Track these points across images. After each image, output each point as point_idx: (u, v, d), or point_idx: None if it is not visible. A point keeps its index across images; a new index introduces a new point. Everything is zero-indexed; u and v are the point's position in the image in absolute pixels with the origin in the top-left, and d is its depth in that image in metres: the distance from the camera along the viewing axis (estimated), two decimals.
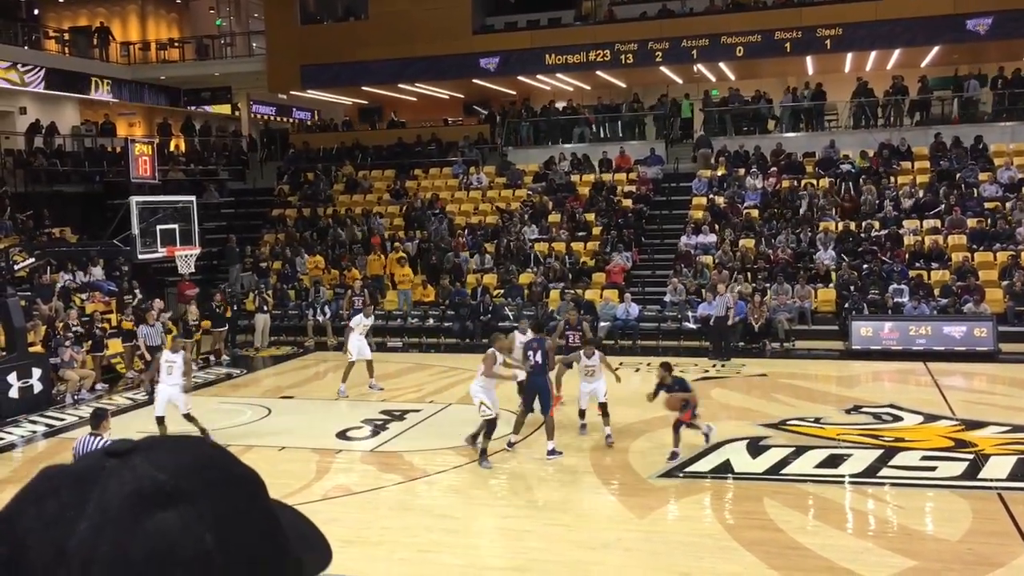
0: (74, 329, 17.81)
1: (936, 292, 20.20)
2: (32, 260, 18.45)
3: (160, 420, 12.88)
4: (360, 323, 16.57)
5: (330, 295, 23.30)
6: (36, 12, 32.44)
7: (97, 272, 22.86)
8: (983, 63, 27.35)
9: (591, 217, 25.00)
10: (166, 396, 12.93)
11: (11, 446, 13.96)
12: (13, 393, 15.57)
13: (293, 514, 0.91)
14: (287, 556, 0.86)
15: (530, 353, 12.21)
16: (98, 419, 9.13)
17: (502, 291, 22.66)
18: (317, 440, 13.31)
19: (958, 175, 23.83)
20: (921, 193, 23.53)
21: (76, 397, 16.67)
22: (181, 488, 0.79)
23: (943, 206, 22.85)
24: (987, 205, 22.82)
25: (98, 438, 8.84)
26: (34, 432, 14.69)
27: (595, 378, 12.79)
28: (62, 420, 15.42)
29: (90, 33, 31.80)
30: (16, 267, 17.87)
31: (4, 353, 16.27)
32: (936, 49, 26.09)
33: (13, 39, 28.54)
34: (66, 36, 31.37)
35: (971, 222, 22.27)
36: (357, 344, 16.36)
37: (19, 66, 27.04)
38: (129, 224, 16.91)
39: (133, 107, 33.45)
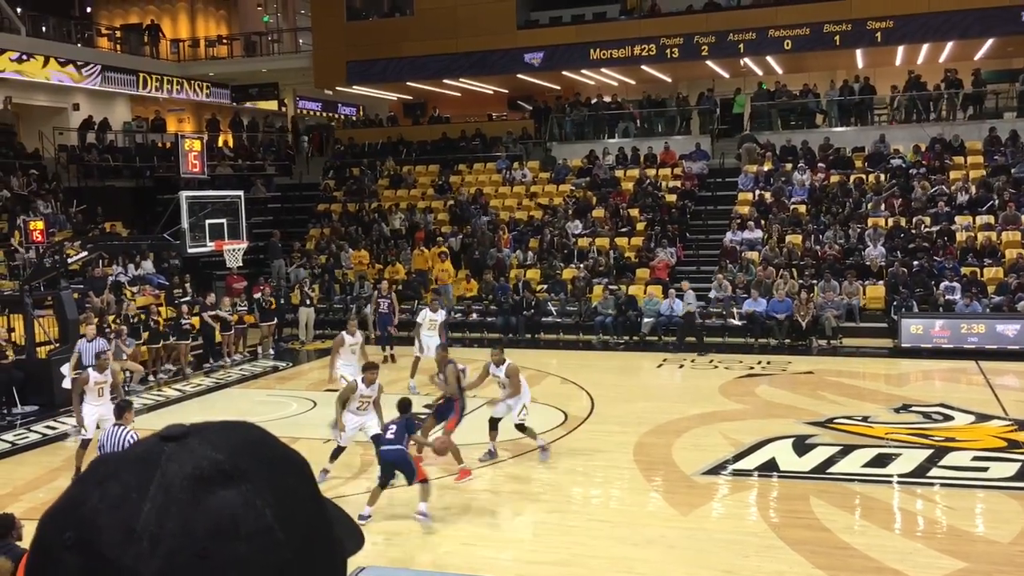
0: (132, 321, 18.09)
1: (989, 289, 19.79)
2: (85, 253, 18.82)
3: (87, 443, 11.56)
4: (426, 318, 16.60)
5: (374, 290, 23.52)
6: (88, 10, 33.08)
7: (147, 265, 23.27)
8: None
9: (635, 212, 24.87)
10: (96, 415, 11.64)
11: (64, 435, 14.26)
12: (66, 384, 15.89)
13: (328, 500, 0.94)
14: (334, 534, 0.89)
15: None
16: (121, 410, 9.28)
17: (545, 286, 22.65)
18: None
19: (1012, 170, 23.30)
20: (974, 189, 23.05)
21: (127, 388, 16.96)
22: (239, 467, 0.82)
23: (996, 201, 22.37)
24: None
25: (122, 428, 8.99)
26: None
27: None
28: None
29: (141, 31, 32.36)
30: (69, 260, 18.25)
31: (58, 344, 16.63)
32: (990, 42, 25.52)
33: (67, 37, 29.14)
34: (118, 34, 31.96)
35: None
36: (426, 340, 16.19)
37: (78, 64, 27.60)
38: (179, 218, 17.16)
39: (182, 103, 33.99)
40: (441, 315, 16.99)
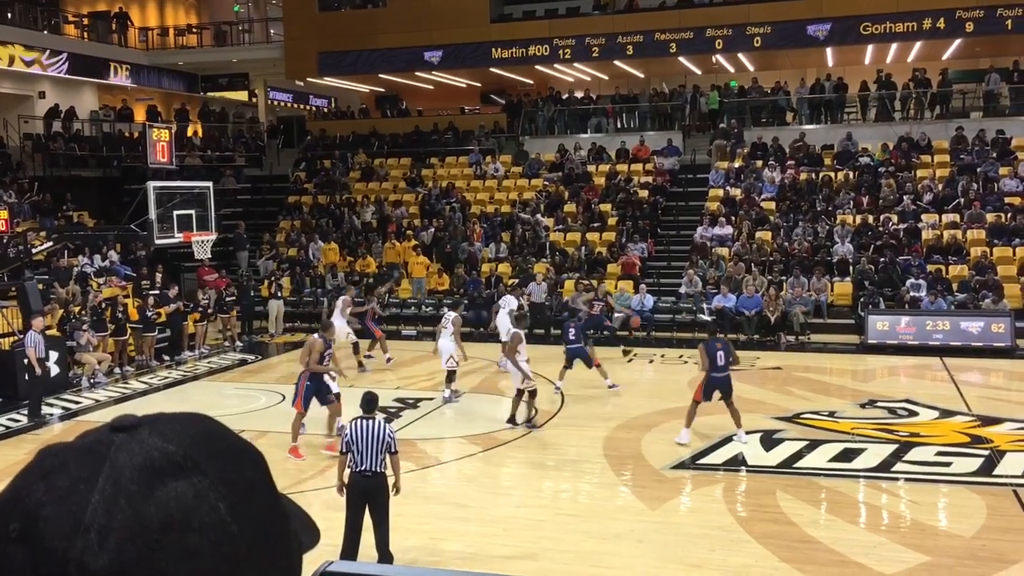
0: (100, 311, 17.84)
1: (954, 287, 20.05)
2: (50, 244, 18.55)
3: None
4: (509, 304, 17.36)
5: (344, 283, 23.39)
6: None
7: (114, 256, 22.98)
8: (1007, 56, 27.05)
9: (607, 208, 24.93)
10: None
11: (27, 428, 14.07)
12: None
13: (284, 495, 0.93)
14: (290, 528, 0.88)
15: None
16: (370, 404, 8.87)
17: (516, 280, 22.63)
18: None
19: (978, 169, 23.62)
20: (940, 187, 23.34)
21: (92, 381, 16.78)
22: (192, 458, 0.80)
23: (962, 200, 22.66)
24: (1007, 200, 22.61)
25: (370, 421, 8.64)
26: (50, 415, 14.79)
27: None
28: (78, 403, 15.54)
29: (109, 18, 31.89)
30: (34, 250, 17.97)
31: (22, 336, 16.37)
32: (958, 42, 25.82)
33: (33, 24, 28.65)
34: (85, 21, 31.47)
35: (990, 217, 22.07)
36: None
37: (42, 51, 27.15)
38: (146, 209, 16.98)
39: (151, 92, 33.55)
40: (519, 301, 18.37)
